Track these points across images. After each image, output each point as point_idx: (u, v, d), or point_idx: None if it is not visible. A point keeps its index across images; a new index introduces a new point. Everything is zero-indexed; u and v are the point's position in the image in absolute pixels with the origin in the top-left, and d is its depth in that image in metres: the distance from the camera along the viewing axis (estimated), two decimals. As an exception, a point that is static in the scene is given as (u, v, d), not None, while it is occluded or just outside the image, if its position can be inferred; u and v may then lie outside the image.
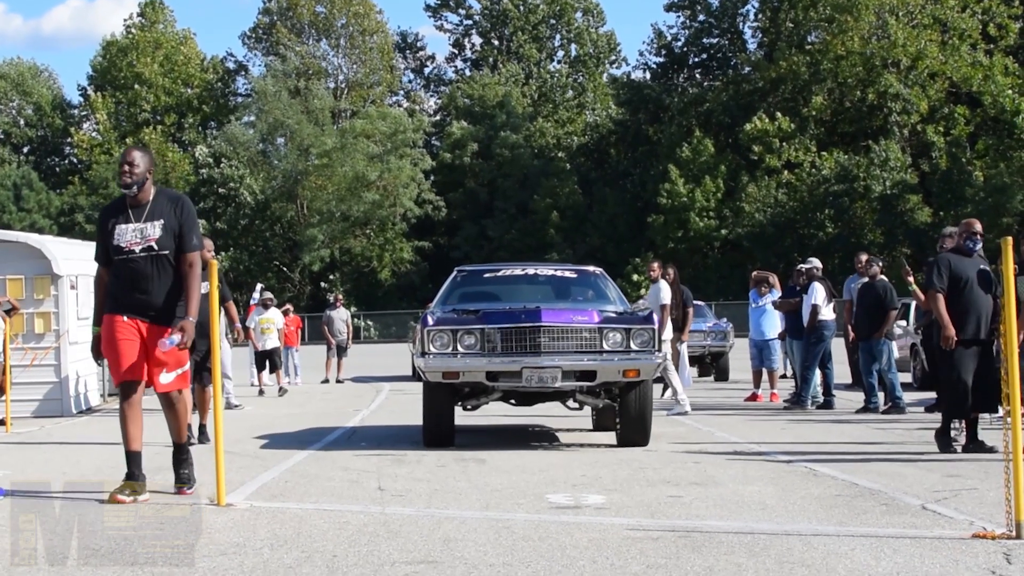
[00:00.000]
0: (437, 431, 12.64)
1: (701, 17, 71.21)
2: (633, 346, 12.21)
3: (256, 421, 16.55)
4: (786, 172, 62.34)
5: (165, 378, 8.74)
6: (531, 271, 15.49)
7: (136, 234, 8.62)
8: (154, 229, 8.62)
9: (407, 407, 19.26)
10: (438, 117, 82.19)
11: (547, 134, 74.69)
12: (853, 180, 59.65)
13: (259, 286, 28.20)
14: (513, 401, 13.41)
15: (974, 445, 11.61)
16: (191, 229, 8.74)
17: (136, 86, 76.36)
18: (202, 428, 13.51)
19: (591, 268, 15.52)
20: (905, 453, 11.77)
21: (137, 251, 8.59)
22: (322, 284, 71.56)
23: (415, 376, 30.99)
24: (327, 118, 73.16)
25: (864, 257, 18.49)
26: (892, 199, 58.60)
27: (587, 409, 14.26)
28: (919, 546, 6.74)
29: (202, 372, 13.31)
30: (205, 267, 13.01)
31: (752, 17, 71.04)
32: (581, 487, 9.36)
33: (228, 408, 18.64)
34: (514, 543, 6.84)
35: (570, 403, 13.58)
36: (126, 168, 8.66)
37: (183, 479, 9.02)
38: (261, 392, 23.84)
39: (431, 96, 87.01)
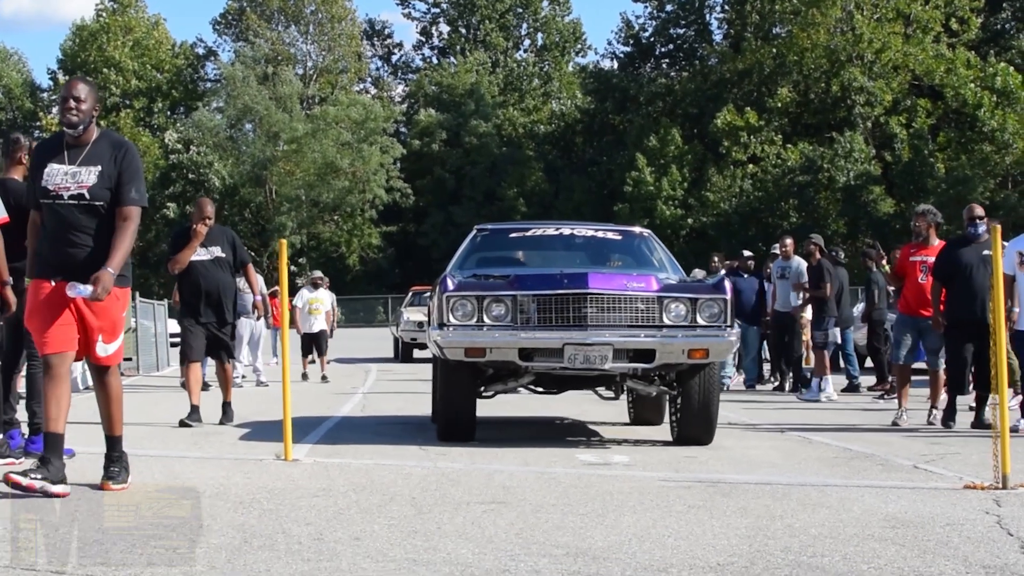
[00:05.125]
0: (456, 421, 10.71)
1: (669, 7, 72.10)
2: (700, 320, 10.19)
3: (265, 397, 17.35)
4: (751, 165, 63.37)
5: (104, 348, 7.46)
6: (567, 231, 12.94)
7: (67, 178, 7.40)
8: (89, 175, 7.39)
9: (400, 386, 20.23)
10: (405, 105, 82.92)
11: (515, 122, 75.56)
12: (817, 171, 60.74)
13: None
14: (539, 388, 11.40)
15: (978, 422, 12.25)
16: (131, 179, 7.47)
17: (105, 70, 76.68)
18: (226, 406, 12.77)
19: (637, 229, 13.24)
20: (888, 425, 12.73)
21: (65, 197, 7.38)
22: (292, 269, 72.29)
23: (399, 357, 31.99)
24: (295, 104, 73.76)
25: (789, 241, 19.16)
26: (856, 190, 59.69)
27: (611, 398, 12.49)
28: (919, 494, 7.67)
29: (219, 348, 12.87)
30: (227, 240, 12.91)
31: (719, 9, 72.10)
32: (604, 450, 10.29)
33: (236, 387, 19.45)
34: (565, 490, 7.75)
35: (602, 390, 11.94)
36: (72, 104, 7.41)
37: (111, 475, 7.60)
38: (304, 376, 22.38)
39: (399, 83, 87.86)
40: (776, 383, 19.21)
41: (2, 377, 8.99)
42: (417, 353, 30.93)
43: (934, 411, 12.95)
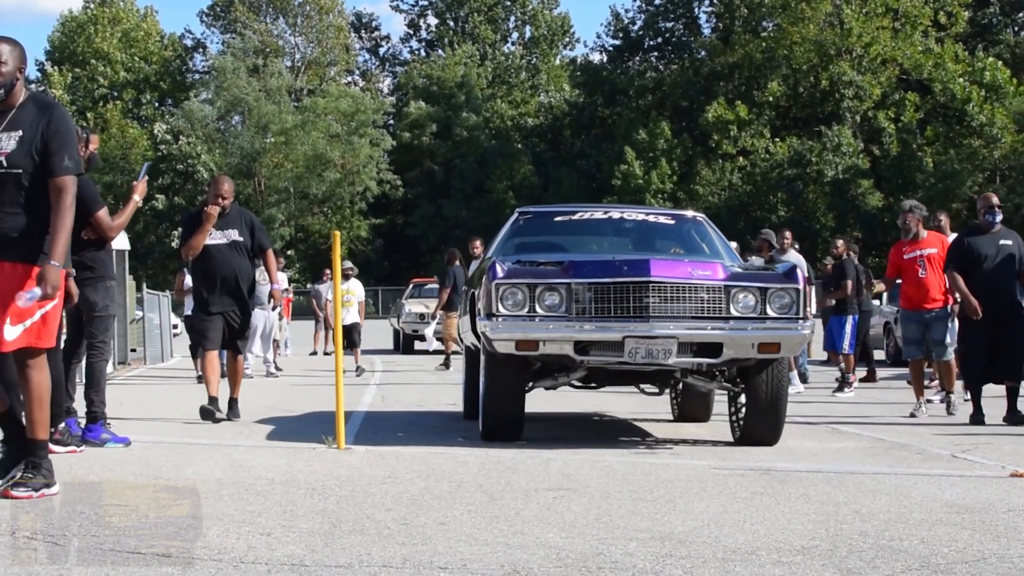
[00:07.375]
0: (503, 420, 9.92)
1: (658, 1, 72.30)
2: (770, 311, 9.42)
3: (279, 389, 17.43)
4: (740, 158, 63.67)
5: (10, 332, 6.57)
6: (616, 214, 12.21)
7: None
8: (9, 141, 6.63)
9: (409, 377, 20.39)
10: (394, 97, 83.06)
11: (503, 115, 75.76)
12: (806, 165, 61.10)
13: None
14: (579, 383, 10.53)
15: (1012, 416, 11.96)
16: (62, 146, 6.64)
17: (94, 61, 76.72)
18: (232, 402, 11.95)
19: (690, 213, 12.46)
20: (907, 417, 12.85)
21: None
22: (281, 261, 72.32)
23: (400, 349, 32.08)
24: (284, 96, 73.86)
25: (777, 234, 19.18)
26: (844, 183, 60.08)
27: (655, 393, 11.69)
28: (969, 481, 7.85)
29: (235, 339, 11.94)
30: (239, 217, 11.78)
31: (708, 2, 72.34)
32: (643, 442, 10.44)
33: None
34: (624, 477, 7.91)
35: (647, 386, 11.26)
36: None
37: (23, 481, 6.67)
38: (359, 371, 21.21)
39: (386, 76, 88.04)
40: None
41: (64, 366, 9.09)
42: (418, 345, 31.06)
43: (951, 397, 13.12)
